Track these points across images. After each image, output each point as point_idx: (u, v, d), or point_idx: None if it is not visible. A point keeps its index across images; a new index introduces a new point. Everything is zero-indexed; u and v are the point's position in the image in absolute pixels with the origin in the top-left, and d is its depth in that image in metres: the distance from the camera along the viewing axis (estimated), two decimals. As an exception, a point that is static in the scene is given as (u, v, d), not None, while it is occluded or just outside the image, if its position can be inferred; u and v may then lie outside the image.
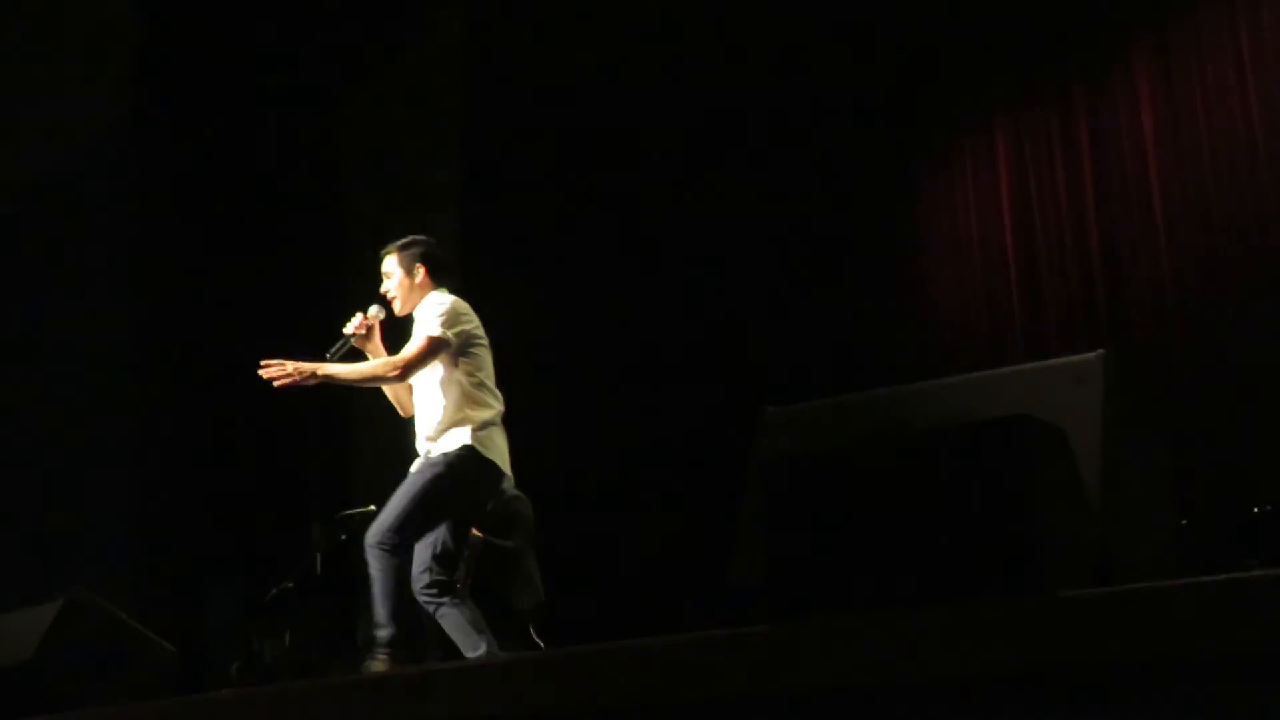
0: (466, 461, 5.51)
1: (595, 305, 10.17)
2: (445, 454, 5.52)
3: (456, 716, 2.81)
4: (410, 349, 5.61)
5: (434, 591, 5.52)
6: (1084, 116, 9.07)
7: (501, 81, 10.70)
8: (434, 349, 5.58)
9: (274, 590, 8.47)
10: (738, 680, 2.48)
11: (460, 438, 5.52)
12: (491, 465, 5.59)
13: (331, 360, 5.67)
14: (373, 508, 8.65)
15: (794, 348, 9.54)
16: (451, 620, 5.51)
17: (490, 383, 5.73)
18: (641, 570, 7.96)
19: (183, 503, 9.80)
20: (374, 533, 5.46)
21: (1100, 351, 3.46)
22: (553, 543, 8.10)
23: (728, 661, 2.53)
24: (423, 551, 5.52)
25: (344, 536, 8.33)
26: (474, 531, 7.55)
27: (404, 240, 5.88)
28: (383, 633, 5.42)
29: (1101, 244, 8.86)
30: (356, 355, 5.82)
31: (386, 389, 5.85)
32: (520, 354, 10.43)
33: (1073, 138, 9.11)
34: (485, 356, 5.77)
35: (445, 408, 5.59)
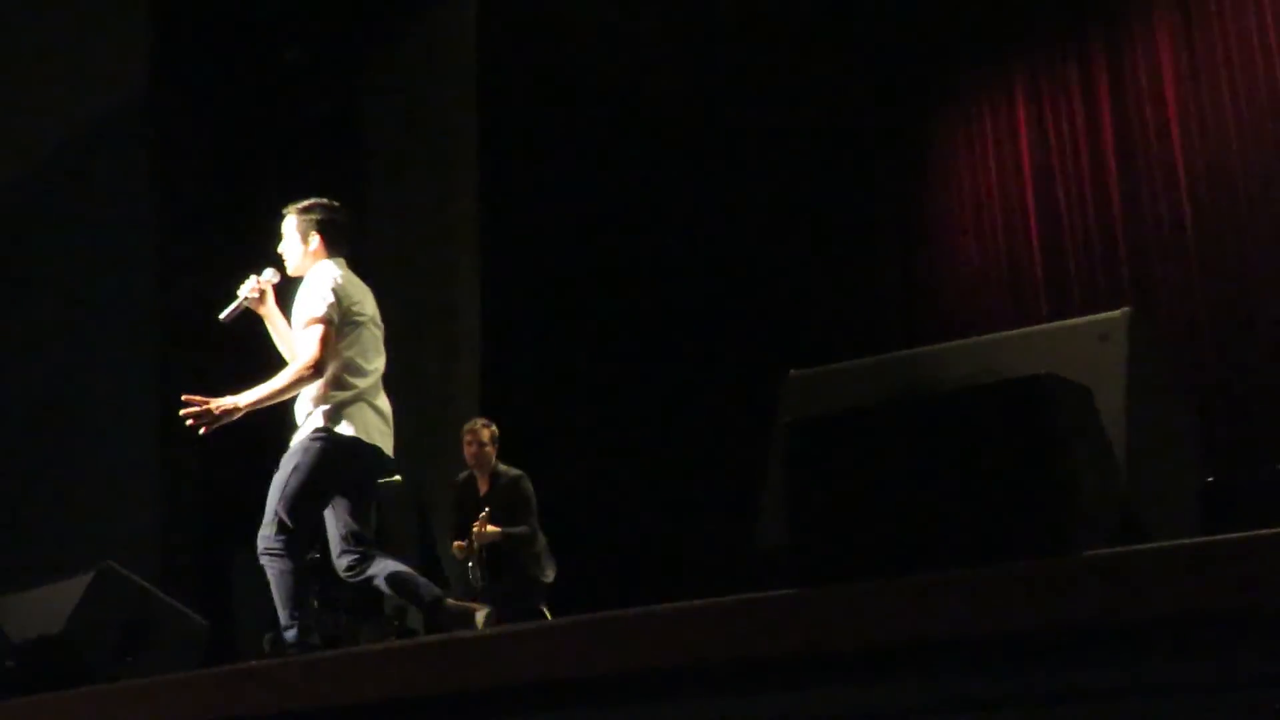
0: (323, 444, 5.44)
1: (615, 269, 10.17)
2: (300, 441, 5.48)
3: (487, 682, 2.82)
4: (310, 346, 5.48)
5: (354, 572, 5.53)
6: (1103, 72, 9.02)
7: (519, 42, 10.66)
8: (327, 331, 5.49)
9: (302, 561, 8.50)
10: (764, 644, 2.49)
11: (315, 420, 5.47)
12: (353, 442, 5.49)
13: (225, 320, 5.69)
14: (398, 478, 8.70)
15: (815, 311, 9.54)
16: (386, 583, 5.54)
17: (362, 359, 5.63)
18: (666, 536, 7.96)
19: (210, 476, 9.85)
20: (259, 542, 5.46)
21: (1125, 310, 3.45)
22: (578, 511, 8.14)
23: (754, 625, 2.53)
24: (334, 541, 5.54)
25: (370, 506, 8.37)
26: (490, 528, 7.61)
27: (306, 203, 5.77)
28: (290, 633, 5.42)
29: (1123, 202, 8.83)
30: (250, 317, 5.81)
31: (281, 346, 5.80)
32: (539, 316, 10.50)
33: (1093, 94, 9.07)
34: (360, 333, 5.64)
35: (312, 386, 5.54)
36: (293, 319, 5.68)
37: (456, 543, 7.81)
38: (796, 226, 9.84)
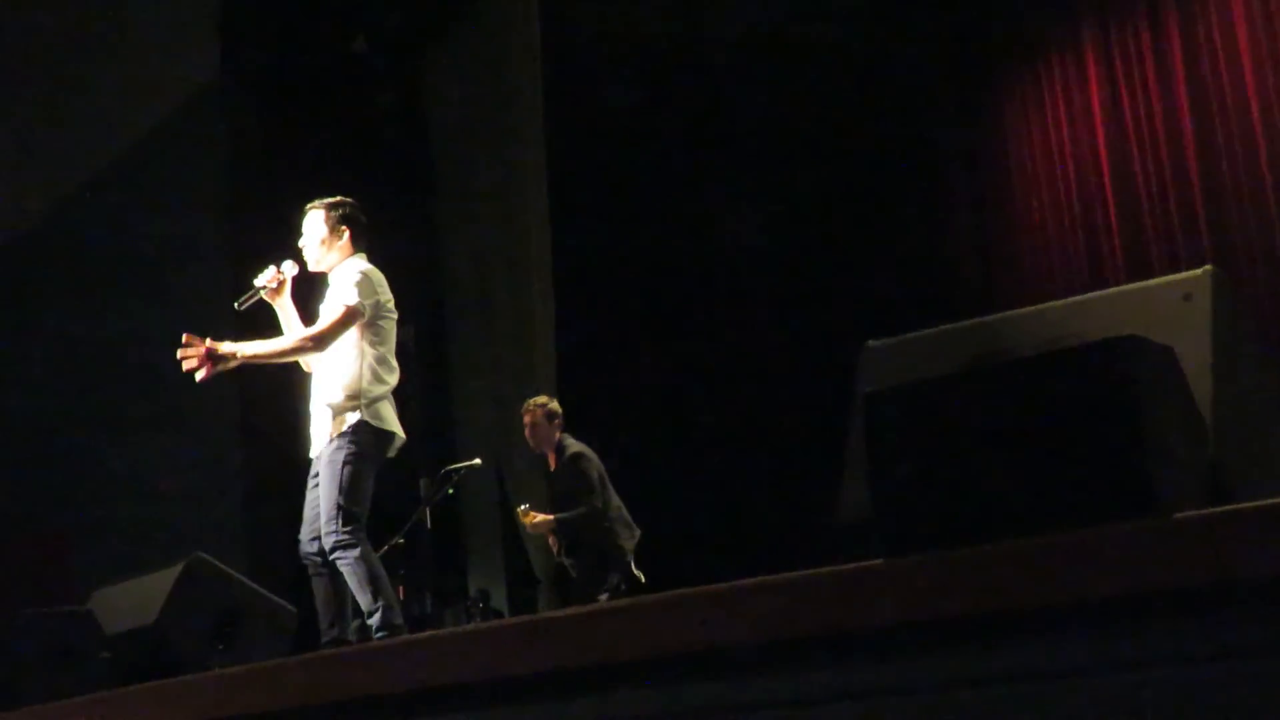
0: (365, 436, 5.64)
1: (686, 245, 10.16)
2: (344, 434, 5.63)
3: (568, 662, 2.83)
4: (326, 320, 5.69)
5: (342, 544, 5.58)
6: (1175, 25, 8.88)
7: (583, 20, 10.66)
8: (350, 319, 5.68)
9: (385, 547, 8.58)
10: (851, 616, 2.48)
11: (355, 414, 5.64)
12: (387, 434, 5.73)
13: (240, 309, 5.84)
14: (477, 461, 8.76)
15: (890, 279, 9.48)
16: (353, 574, 5.56)
17: (391, 357, 5.82)
18: (745, 511, 7.96)
19: (293, 465, 9.94)
20: (327, 541, 5.55)
21: (1207, 268, 3.40)
22: (656, 489, 8.13)
23: (840, 597, 2.53)
24: (326, 512, 5.60)
25: (450, 490, 8.42)
26: (537, 517, 7.64)
27: (332, 200, 5.93)
28: (375, 619, 5.49)
29: (1199, 158, 8.70)
30: (264, 308, 5.89)
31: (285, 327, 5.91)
32: (611, 291, 10.51)
33: (1164, 48, 8.93)
34: (390, 329, 5.86)
35: (346, 377, 5.69)
36: (321, 309, 5.78)
37: (550, 539, 7.84)
38: (867, 194, 9.78)
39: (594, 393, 10.30)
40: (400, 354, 6.78)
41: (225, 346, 5.65)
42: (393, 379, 5.80)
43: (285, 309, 5.93)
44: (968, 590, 2.34)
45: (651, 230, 10.35)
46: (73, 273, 9.95)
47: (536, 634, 3.02)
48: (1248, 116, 8.44)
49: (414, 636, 5.23)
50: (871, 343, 3.94)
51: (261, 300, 5.88)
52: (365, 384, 5.67)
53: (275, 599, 6.05)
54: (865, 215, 9.82)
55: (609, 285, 10.61)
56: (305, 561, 5.76)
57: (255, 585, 6.14)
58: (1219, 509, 2.44)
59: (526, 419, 7.86)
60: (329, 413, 5.69)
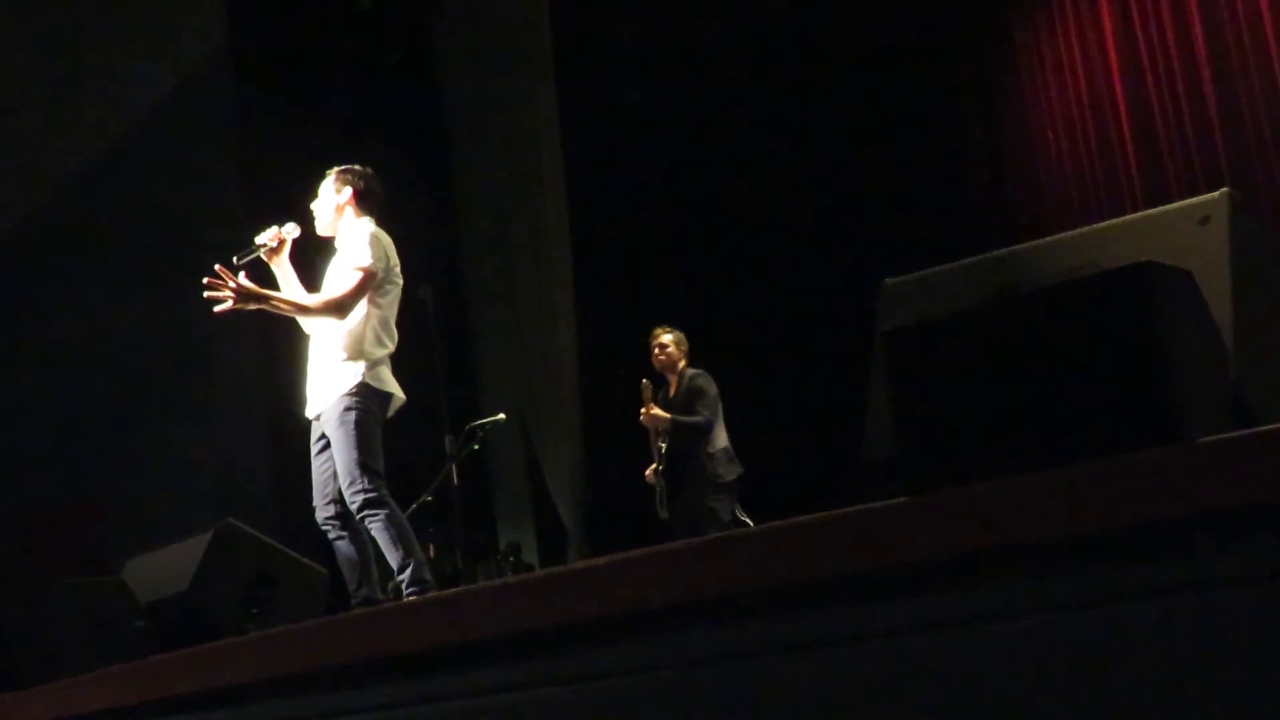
0: (368, 396, 5.71)
1: (703, 192, 10.14)
2: (349, 394, 5.69)
3: (611, 609, 2.84)
4: (346, 284, 5.73)
5: (366, 512, 5.65)
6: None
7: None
8: (367, 281, 5.74)
9: (414, 505, 8.62)
10: (880, 555, 2.48)
11: (356, 374, 5.70)
12: (387, 395, 5.80)
13: (238, 264, 5.81)
14: (502, 416, 8.78)
15: (908, 218, 9.45)
16: (382, 533, 5.63)
17: (393, 321, 5.89)
18: (773, 454, 7.98)
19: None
20: (353, 499, 5.61)
21: (1224, 190, 3.38)
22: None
23: (869, 537, 2.53)
24: (347, 473, 5.67)
25: (476, 446, 8.44)
26: (657, 411, 7.67)
27: (345, 167, 5.99)
28: (406, 574, 5.53)
29: (1215, 82, 8.63)
30: (262, 267, 5.92)
31: (288, 307, 5.93)
32: (629, 242, 10.50)
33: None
34: (395, 295, 5.92)
35: (350, 336, 5.75)
36: (329, 271, 5.79)
37: (648, 471, 7.88)
38: (882, 131, 9.74)
39: (615, 339, 10.31)
40: (419, 312, 6.83)
41: (251, 287, 5.68)
42: (392, 343, 5.87)
43: (284, 269, 5.96)
44: (994, 524, 2.34)
45: (667, 176, 10.32)
46: (94, 246, 9.97)
47: (580, 583, 3.03)
48: (1262, 37, 8.36)
49: (446, 592, 5.26)
50: (890, 280, 3.93)
51: (259, 259, 5.90)
52: (368, 345, 5.73)
53: (306, 561, 6.09)
54: (881, 152, 9.77)
55: (626, 233, 10.60)
56: (324, 527, 5.80)
57: (286, 549, 6.17)
58: (1243, 432, 2.43)
59: (656, 343, 7.94)
60: (332, 373, 5.72)
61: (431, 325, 7.30)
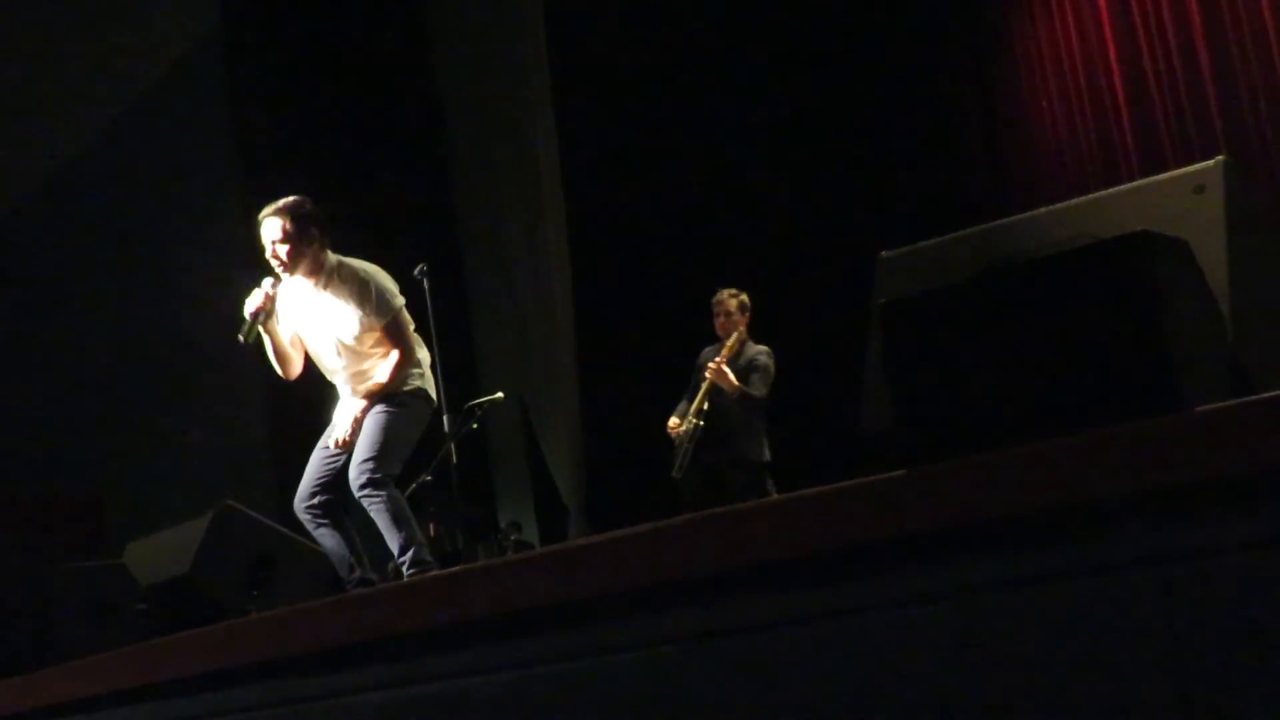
0: (417, 400, 5.89)
1: (693, 158, 10.13)
2: (405, 393, 5.83)
3: (602, 588, 2.84)
4: (396, 334, 5.83)
5: (367, 488, 5.69)
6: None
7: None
8: (407, 321, 5.92)
9: (413, 484, 8.62)
10: (876, 527, 2.49)
11: (412, 380, 5.87)
12: (431, 401, 6.01)
13: (246, 341, 5.81)
14: (500, 395, 8.78)
15: (903, 191, 9.44)
16: (382, 513, 5.68)
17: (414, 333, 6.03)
18: (771, 424, 7.96)
19: (319, 409, 9.99)
20: (358, 477, 5.66)
21: (1219, 158, 3.38)
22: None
23: (867, 509, 2.53)
24: (364, 452, 5.73)
25: (475, 425, 8.44)
26: (728, 371, 7.59)
27: (285, 202, 5.80)
28: (406, 556, 5.58)
29: (1209, 49, 8.60)
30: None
31: (275, 360, 6.00)
32: (626, 225, 10.49)
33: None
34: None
35: (389, 362, 5.83)
36: (339, 319, 5.76)
37: (671, 421, 7.75)
38: (875, 102, 9.72)
39: (611, 316, 10.31)
40: (417, 292, 6.84)
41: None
42: (426, 351, 6.05)
43: (272, 328, 5.89)
44: (992, 495, 2.35)
45: (662, 155, 10.30)
46: (93, 236, 9.96)
47: (572, 561, 3.03)
48: (1257, 6, 8.34)
49: (448, 571, 5.27)
50: (885, 253, 3.93)
51: (259, 330, 5.83)
52: (418, 356, 5.93)
53: (307, 543, 6.10)
54: (874, 125, 9.76)
55: (621, 210, 10.59)
56: (303, 518, 5.80)
57: (286, 530, 6.19)
58: (1241, 400, 2.44)
59: (722, 309, 7.86)
60: (363, 379, 5.80)
61: (428, 304, 7.30)
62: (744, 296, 7.90)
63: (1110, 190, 3.78)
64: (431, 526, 9.15)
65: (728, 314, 7.84)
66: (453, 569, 5.56)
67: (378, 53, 11.30)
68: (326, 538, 5.77)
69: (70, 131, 10.10)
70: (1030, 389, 2.53)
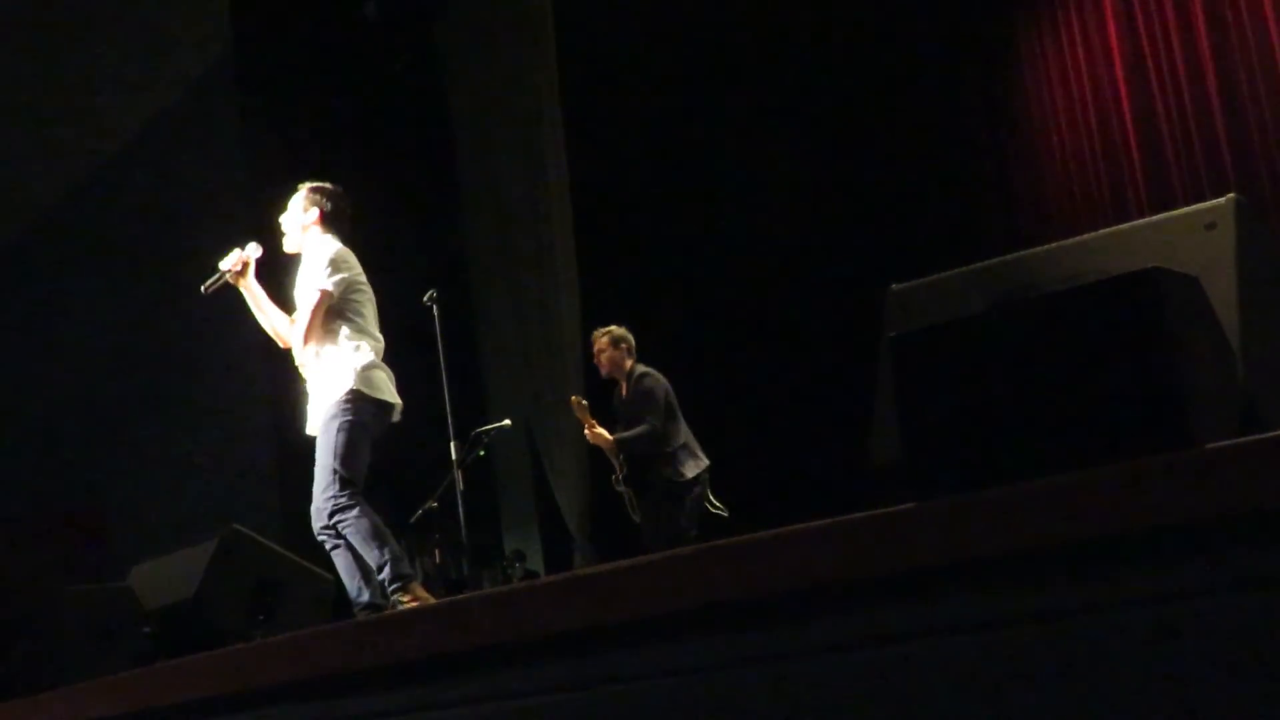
0: (360, 404, 5.74)
1: (706, 196, 10.13)
2: (337, 402, 5.73)
3: (604, 616, 2.84)
4: (304, 312, 5.82)
5: (339, 510, 5.66)
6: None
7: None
8: (323, 303, 5.81)
9: (420, 510, 8.62)
10: (885, 560, 2.48)
11: (346, 383, 5.74)
12: (380, 402, 5.82)
13: (206, 292, 5.98)
14: (507, 422, 8.78)
15: (913, 222, 9.44)
16: (356, 533, 5.64)
17: (371, 327, 5.93)
18: (778, 457, 7.97)
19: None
20: (321, 504, 5.66)
21: (1230, 196, 3.39)
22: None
23: (875, 542, 2.53)
24: (321, 480, 5.70)
25: (482, 452, 8.44)
26: (598, 431, 7.60)
27: (314, 183, 6.05)
28: (385, 572, 5.56)
29: (1220, 89, 8.62)
30: (230, 291, 5.98)
31: (264, 324, 6.06)
32: (633, 249, 10.50)
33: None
34: (364, 302, 5.96)
35: (330, 353, 5.81)
36: (296, 290, 5.84)
37: (613, 479, 7.80)
38: (888, 137, 9.73)
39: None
40: (425, 319, 6.83)
41: (254, 283, 5.93)
42: (377, 347, 5.91)
43: (251, 290, 6.02)
44: (1001, 530, 2.34)
45: (673, 183, 10.32)
46: (99, 254, 9.99)
47: (572, 589, 3.03)
48: (1267, 42, 8.35)
49: (452, 599, 5.26)
50: (896, 286, 3.94)
51: (227, 283, 5.95)
52: (349, 355, 5.78)
53: (312, 568, 6.10)
54: (887, 159, 9.77)
55: (632, 239, 10.60)
56: (320, 538, 5.81)
57: (292, 555, 6.18)
58: (1251, 438, 2.43)
59: (596, 346, 7.83)
60: (324, 387, 5.78)
61: (437, 332, 7.30)
62: (620, 330, 7.83)
63: (1121, 226, 3.79)
64: (437, 552, 9.14)
65: (599, 351, 7.82)
66: (456, 596, 5.55)
67: (389, 79, 11.35)
68: (339, 558, 5.77)
69: (79, 152, 10.13)
70: (1040, 424, 2.53)
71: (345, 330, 5.81)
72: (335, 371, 5.76)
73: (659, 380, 7.66)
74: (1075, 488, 2.30)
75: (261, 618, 5.69)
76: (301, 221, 5.98)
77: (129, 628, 5.42)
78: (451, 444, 7.68)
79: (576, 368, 10.75)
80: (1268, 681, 2.10)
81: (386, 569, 5.56)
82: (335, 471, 5.61)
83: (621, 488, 7.74)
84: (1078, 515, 2.28)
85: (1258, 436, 2.40)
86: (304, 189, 6.02)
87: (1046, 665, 2.30)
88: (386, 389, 5.85)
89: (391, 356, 5.98)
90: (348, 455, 5.65)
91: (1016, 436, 2.56)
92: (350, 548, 5.70)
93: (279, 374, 9.98)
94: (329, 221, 5.98)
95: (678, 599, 2.72)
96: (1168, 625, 2.19)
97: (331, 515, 5.61)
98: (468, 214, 12.08)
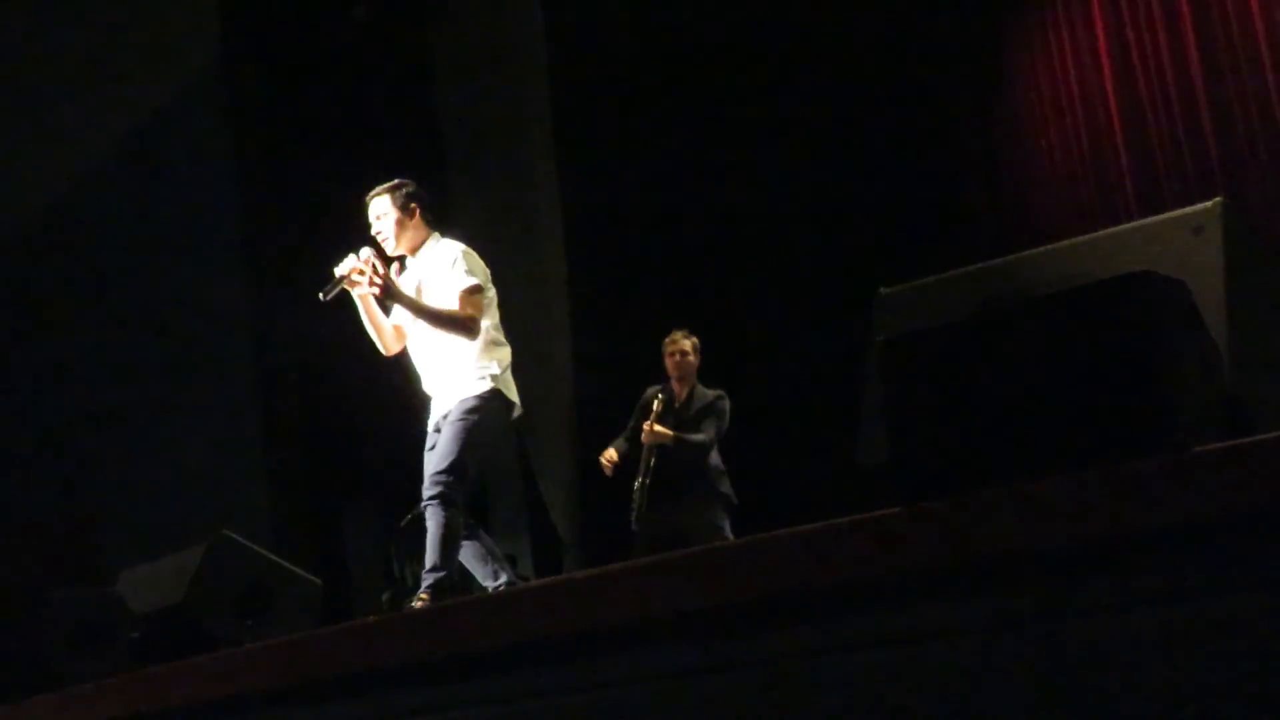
0: (496, 404, 5.80)
1: (695, 201, 10.13)
2: (476, 397, 5.75)
3: (586, 624, 2.84)
4: (467, 306, 5.77)
5: (435, 501, 5.68)
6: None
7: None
8: (482, 297, 5.84)
9: (409, 514, 8.61)
10: (871, 564, 2.48)
11: (487, 381, 5.78)
12: (511, 405, 5.90)
13: (325, 299, 5.84)
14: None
15: (900, 226, 9.44)
16: (434, 528, 5.67)
17: (500, 330, 5.98)
18: (765, 461, 7.96)
19: (315, 435, 9.99)
20: (432, 485, 5.65)
21: (1217, 200, 3.39)
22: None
23: (861, 546, 2.53)
24: (438, 463, 5.72)
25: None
26: (659, 428, 7.60)
27: (392, 183, 5.99)
28: (431, 576, 5.56)
29: (1208, 91, 8.62)
30: (346, 297, 5.93)
31: (372, 329, 5.98)
32: (624, 251, 10.51)
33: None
34: (494, 303, 5.99)
35: (472, 351, 5.80)
36: (429, 291, 5.80)
37: (608, 453, 7.71)
38: (874, 140, 9.73)
39: (608, 350, 10.30)
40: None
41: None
42: (508, 351, 5.96)
43: (365, 297, 5.93)
44: (988, 534, 2.34)
45: (662, 185, 10.31)
46: (89, 257, 9.97)
47: (555, 597, 3.03)
48: (1254, 45, 8.36)
49: (443, 604, 5.26)
50: (884, 290, 3.93)
51: (344, 289, 5.87)
52: (495, 354, 5.85)
53: (300, 572, 6.09)
54: (874, 163, 9.76)
55: (622, 244, 10.60)
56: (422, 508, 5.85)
57: (281, 560, 6.17)
58: (1238, 441, 2.43)
59: (676, 348, 7.79)
60: (459, 386, 5.76)
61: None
62: (696, 339, 7.85)
63: (1109, 230, 3.79)
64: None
65: (682, 354, 7.80)
66: (449, 601, 5.55)
67: (380, 83, 11.33)
68: (469, 548, 5.82)
69: (72, 156, 10.12)
70: (1027, 428, 2.53)
71: (487, 325, 5.85)
72: (478, 367, 5.78)
73: (728, 405, 7.69)
74: (1062, 492, 2.30)
75: (250, 622, 5.69)
76: (408, 221, 5.92)
77: (117, 632, 5.41)
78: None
79: (567, 374, 10.74)
80: (1257, 684, 2.10)
81: (431, 579, 5.59)
82: (456, 463, 5.64)
83: (640, 494, 7.70)
84: (1065, 520, 2.28)
85: (1245, 440, 2.40)
86: (387, 192, 5.95)
87: (1035, 669, 2.30)
88: (514, 392, 5.93)
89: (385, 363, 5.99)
90: (471, 447, 5.69)
91: (1004, 440, 2.56)
92: (473, 532, 5.77)
93: (271, 379, 10.00)
94: (429, 215, 6.00)
95: (665, 604, 2.72)
96: (1157, 630, 2.19)
97: (432, 498, 5.64)
98: (457, 224, 12.05)
